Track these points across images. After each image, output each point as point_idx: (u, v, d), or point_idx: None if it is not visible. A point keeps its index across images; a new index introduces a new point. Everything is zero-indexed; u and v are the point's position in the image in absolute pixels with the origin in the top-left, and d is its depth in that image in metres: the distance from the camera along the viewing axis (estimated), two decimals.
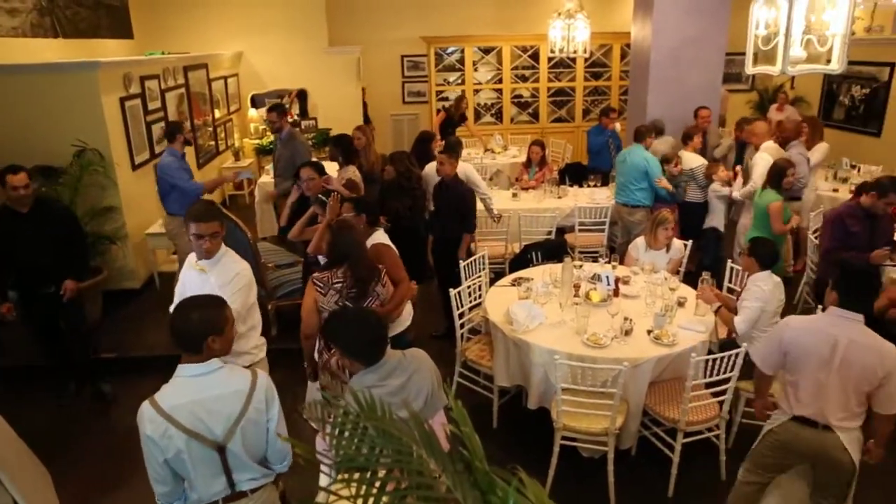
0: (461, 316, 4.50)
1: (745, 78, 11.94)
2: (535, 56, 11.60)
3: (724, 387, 3.70)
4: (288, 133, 6.56)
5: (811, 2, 3.14)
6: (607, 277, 4.51)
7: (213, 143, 9.63)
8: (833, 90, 10.91)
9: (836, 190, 7.32)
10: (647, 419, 3.98)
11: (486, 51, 11.62)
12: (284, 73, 10.76)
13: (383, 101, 11.87)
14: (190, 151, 8.34)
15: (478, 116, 11.95)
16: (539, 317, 4.09)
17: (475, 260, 5.08)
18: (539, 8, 11.52)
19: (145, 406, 2.26)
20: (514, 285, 4.68)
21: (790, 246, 6.74)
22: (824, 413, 2.94)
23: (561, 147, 10.35)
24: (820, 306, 4.25)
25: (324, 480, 2.55)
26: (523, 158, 8.33)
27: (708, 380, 3.69)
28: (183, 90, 8.35)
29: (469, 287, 4.70)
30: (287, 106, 9.43)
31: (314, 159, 5.97)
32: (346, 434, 1.45)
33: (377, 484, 1.36)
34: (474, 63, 11.63)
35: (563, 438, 3.72)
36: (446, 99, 11.89)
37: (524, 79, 11.85)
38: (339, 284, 3.38)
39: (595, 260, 5.41)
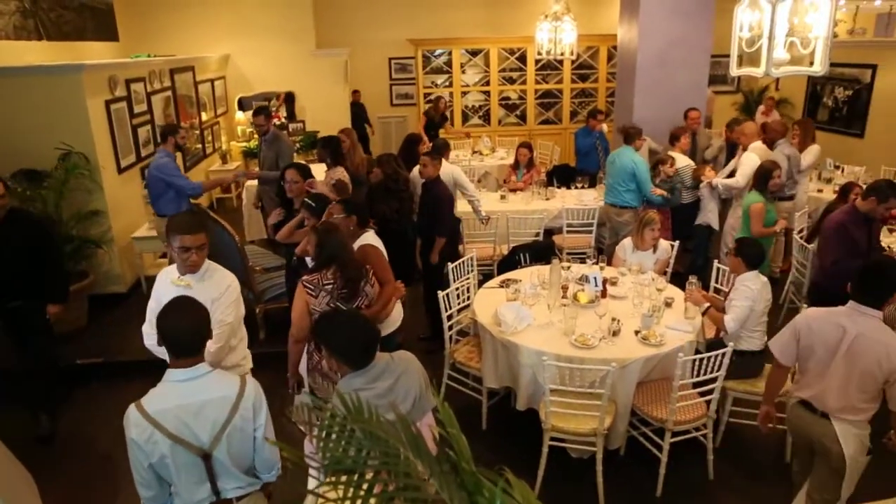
0: (450, 318, 4.51)
1: (731, 80, 12.05)
2: (522, 58, 11.64)
3: (711, 386, 3.73)
4: (272, 134, 6.56)
5: (794, 4, 3.18)
6: (595, 278, 4.53)
7: (199, 146, 9.58)
8: (817, 92, 11.02)
9: (820, 190, 7.40)
10: (635, 419, 3.99)
11: (474, 53, 11.65)
12: (272, 76, 10.73)
13: (371, 104, 11.87)
14: (178, 154, 8.32)
15: (465, 118, 11.97)
16: (527, 318, 4.10)
17: (463, 262, 5.08)
18: (526, 10, 11.57)
19: (131, 410, 2.24)
20: (502, 287, 4.69)
21: (781, 247, 6.81)
22: (823, 399, 3.02)
23: (548, 149, 10.39)
24: (805, 305, 4.29)
25: (312, 484, 2.54)
26: (511, 160, 8.36)
27: (695, 379, 3.71)
28: (169, 93, 8.31)
29: (457, 289, 4.71)
30: (274, 109, 9.42)
31: (301, 161, 5.96)
32: (334, 437, 1.45)
33: (364, 486, 1.36)
34: (462, 65, 11.65)
35: (552, 439, 3.73)
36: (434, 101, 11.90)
37: (512, 81, 11.88)
38: (330, 286, 3.38)
39: (583, 261, 5.43)
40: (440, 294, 4.42)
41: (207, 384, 2.31)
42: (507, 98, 12.02)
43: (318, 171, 6.18)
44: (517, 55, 11.66)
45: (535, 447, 3.79)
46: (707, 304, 4.18)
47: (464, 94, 11.83)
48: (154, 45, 9.72)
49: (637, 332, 3.96)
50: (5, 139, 5.76)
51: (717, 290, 4.98)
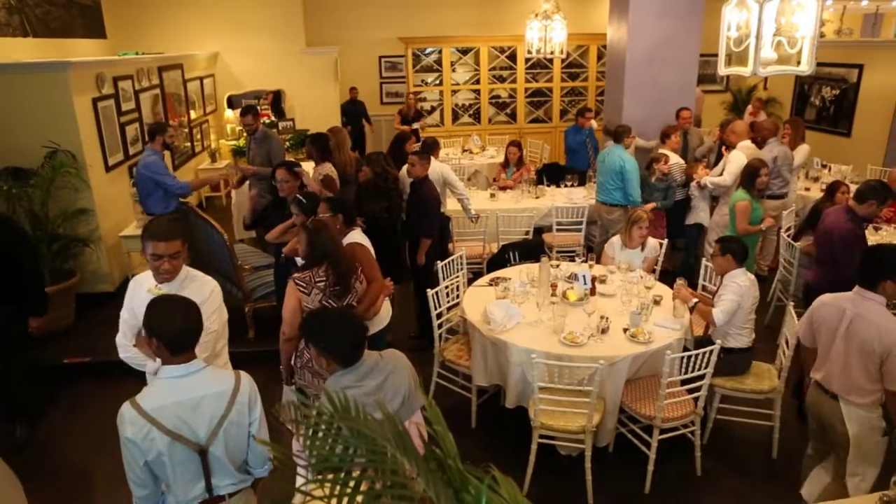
0: (439, 316, 4.51)
1: (720, 79, 12.12)
2: (512, 57, 11.66)
3: (699, 384, 3.75)
4: (262, 132, 6.54)
5: (781, 4, 3.20)
6: (584, 277, 4.54)
7: (188, 144, 9.53)
8: (805, 91, 11.10)
9: (807, 189, 7.46)
10: (623, 416, 4.01)
11: (464, 51, 11.65)
12: (261, 74, 10.69)
13: None
14: (165, 153, 8.27)
15: (456, 117, 11.97)
16: (516, 316, 4.11)
17: (453, 260, 5.09)
18: (516, 9, 11.58)
19: (126, 408, 2.23)
20: (491, 285, 4.69)
21: (772, 246, 6.85)
22: (829, 380, 3.19)
23: (538, 147, 10.41)
24: (791, 303, 4.33)
25: (300, 482, 2.54)
26: (501, 159, 8.36)
27: (683, 377, 3.73)
28: (158, 91, 8.26)
29: (447, 287, 4.71)
30: (262, 107, 9.39)
31: (290, 159, 5.95)
32: (320, 435, 1.45)
33: (351, 484, 1.36)
34: (452, 64, 11.65)
35: (541, 437, 3.74)
36: (424, 99, 11.91)
37: (502, 79, 11.89)
38: (322, 283, 3.38)
39: (572, 259, 5.45)
40: (429, 292, 4.43)
41: (203, 380, 2.32)
42: (498, 96, 12.03)
43: (309, 168, 6.17)
44: (507, 54, 11.67)
45: (524, 445, 3.80)
46: (695, 300, 4.21)
47: (454, 92, 11.83)
48: (142, 43, 9.65)
49: (626, 330, 3.98)
50: None
51: (704, 289, 5.01)
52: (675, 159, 6.58)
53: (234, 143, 10.11)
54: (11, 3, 6.91)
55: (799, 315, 4.14)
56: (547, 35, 8.41)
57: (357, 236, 3.97)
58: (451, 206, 6.40)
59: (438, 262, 4.98)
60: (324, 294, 3.36)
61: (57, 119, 5.87)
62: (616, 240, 5.21)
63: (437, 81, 11.76)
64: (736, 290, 4.02)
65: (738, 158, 6.05)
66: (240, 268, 5.38)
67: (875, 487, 3.07)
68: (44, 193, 5.67)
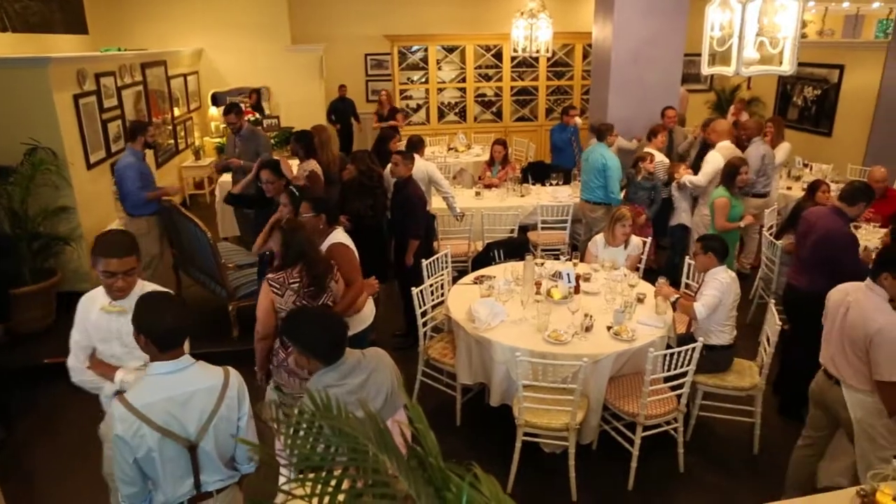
0: (424, 314, 4.50)
1: (704, 78, 12.21)
2: (498, 55, 11.67)
3: (681, 381, 3.78)
4: (248, 129, 6.51)
5: (763, 5, 3.23)
6: (568, 275, 4.56)
7: (172, 141, 9.45)
8: (787, 91, 11.22)
9: (789, 188, 7.54)
10: (607, 414, 4.03)
11: (450, 50, 11.64)
12: (246, 71, 10.62)
13: None
14: (149, 150, 8.19)
15: (441, 115, 11.97)
16: (501, 314, 4.12)
17: (438, 258, 5.08)
18: (502, 7, 11.59)
19: (115, 406, 2.22)
20: (476, 283, 4.70)
21: (754, 245, 6.92)
22: (834, 365, 3.29)
23: (524, 146, 10.43)
24: (772, 301, 4.38)
25: (282, 481, 2.53)
26: (486, 157, 8.37)
27: (666, 374, 3.76)
28: (141, 87, 8.18)
29: (431, 285, 4.71)
30: (245, 106, 9.33)
31: (276, 158, 5.92)
32: (301, 433, 1.45)
33: (333, 483, 1.36)
34: (438, 62, 11.64)
35: (525, 434, 3.75)
36: (410, 98, 11.89)
37: (488, 78, 11.90)
38: (296, 284, 3.34)
39: (557, 257, 5.47)
40: (414, 290, 4.42)
41: (193, 375, 2.33)
42: (483, 95, 12.04)
43: (294, 166, 6.16)
44: (493, 52, 11.68)
45: (508, 442, 3.81)
46: (676, 295, 4.25)
47: (440, 90, 11.82)
48: (125, 39, 9.54)
49: (609, 328, 4.00)
50: None
51: (687, 286, 5.05)
52: (661, 158, 6.62)
53: (218, 140, 10.05)
54: None
55: (780, 312, 4.19)
56: (532, 34, 8.42)
57: (340, 236, 3.93)
58: (436, 204, 6.39)
59: (423, 260, 4.97)
60: (298, 295, 3.33)
61: (37, 116, 5.79)
62: (599, 238, 5.23)
63: (423, 79, 11.75)
64: (717, 286, 4.06)
65: (714, 159, 6.11)
66: (224, 266, 5.34)
67: None
68: (23, 191, 5.59)
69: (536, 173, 8.31)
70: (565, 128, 8.50)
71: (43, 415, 4.70)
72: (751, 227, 6.21)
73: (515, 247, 6.04)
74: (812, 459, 3.58)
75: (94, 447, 2.42)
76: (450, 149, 9.83)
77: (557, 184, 7.68)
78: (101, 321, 2.76)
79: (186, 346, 2.49)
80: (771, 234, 5.88)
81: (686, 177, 6.30)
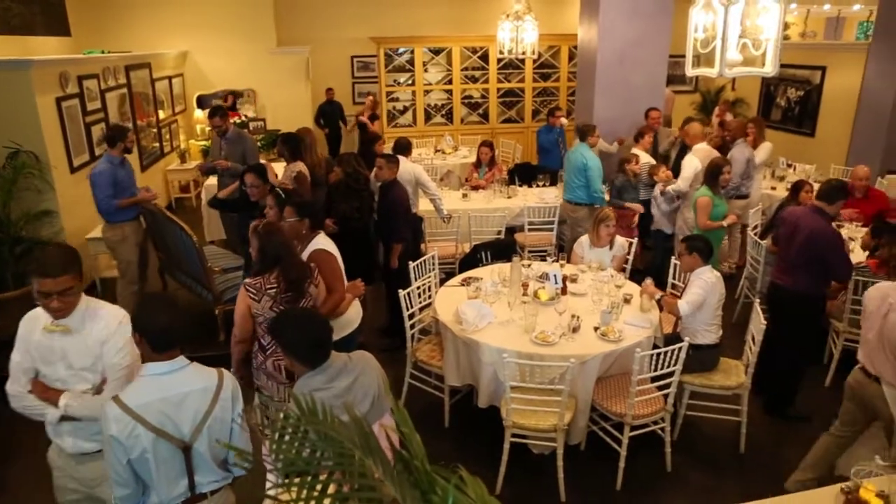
0: (411, 316, 4.50)
1: (689, 80, 12.29)
2: (484, 57, 11.69)
3: (668, 380, 3.80)
4: (234, 132, 6.47)
5: (746, 7, 3.26)
6: (555, 276, 4.57)
7: (157, 144, 9.39)
8: (771, 92, 11.32)
9: (773, 188, 7.61)
10: (595, 414, 4.04)
11: (436, 51, 11.65)
12: (232, 74, 10.58)
13: None
14: (133, 154, 8.12)
15: (428, 117, 11.97)
16: (488, 316, 4.12)
17: (425, 260, 5.08)
18: (488, 9, 11.62)
19: (109, 406, 2.22)
20: (463, 285, 4.70)
21: (737, 244, 6.97)
22: (871, 363, 3.35)
23: (510, 147, 10.46)
24: (757, 300, 4.41)
25: (269, 486, 2.52)
26: (473, 159, 8.39)
27: (653, 374, 3.77)
28: (125, 90, 8.12)
29: (419, 287, 4.70)
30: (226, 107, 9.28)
31: (261, 162, 5.89)
32: (287, 438, 1.44)
33: (318, 487, 1.35)
34: (424, 64, 11.64)
35: (514, 436, 3.76)
36: (397, 100, 11.89)
37: (474, 79, 11.92)
38: (273, 290, 3.32)
39: (543, 259, 5.48)
40: (401, 293, 4.41)
41: (187, 376, 2.34)
42: (470, 97, 12.06)
43: (280, 169, 6.13)
44: (479, 54, 11.70)
45: (497, 444, 3.81)
46: (661, 294, 4.28)
47: (426, 92, 11.83)
48: (108, 41, 9.47)
49: (596, 329, 4.02)
50: None
51: (673, 287, 5.08)
52: (647, 159, 6.66)
53: (204, 143, 9.98)
54: None
55: (764, 312, 4.23)
56: (518, 35, 8.43)
57: (322, 242, 3.88)
58: (423, 206, 6.39)
59: (410, 262, 4.97)
60: (274, 301, 3.31)
61: (19, 119, 5.74)
62: (585, 239, 5.25)
63: (410, 81, 11.74)
64: (702, 285, 4.09)
65: (690, 163, 6.16)
66: (210, 270, 5.31)
67: None
68: (5, 195, 5.54)
69: (523, 175, 8.33)
70: (552, 129, 8.54)
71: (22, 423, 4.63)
72: (732, 227, 6.26)
73: (502, 248, 6.05)
74: (839, 451, 3.65)
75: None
76: (437, 151, 9.84)
77: (544, 185, 7.70)
78: (44, 341, 2.58)
79: None
80: (756, 234, 5.93)
81: (670, 187, 6.33)
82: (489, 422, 4.07)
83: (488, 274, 4.88)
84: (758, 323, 4.07)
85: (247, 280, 3.38)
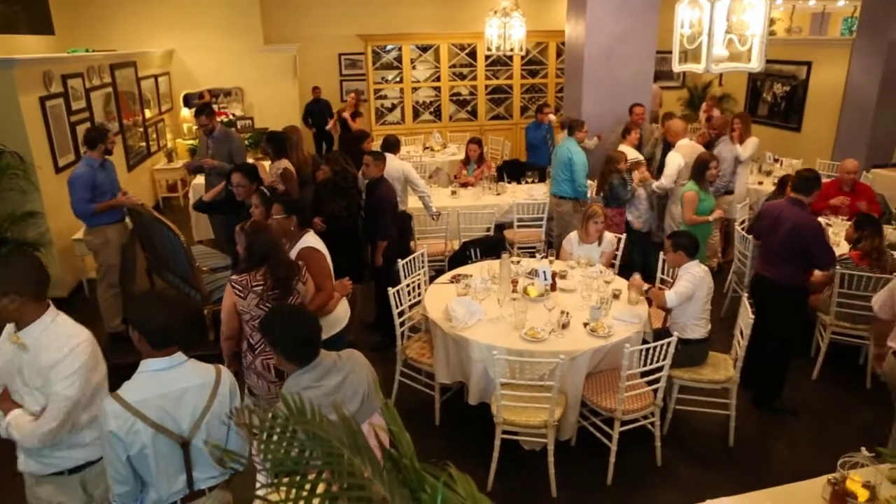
0: (401, 314, 4.49)
1: (677, 75, 12.34)
2: (472, 54, 11.68)
3: (657, 375, 3.81)
4: (222, 131, 6.42)
5: (732, 3, 3.27)
6: (544, 272, 4.58)
7: (143, 144, 9.31)
8: (757, 88, 11.39)
9: (760, 183, 7.65)
10: (585, 410, 4.05)
11: (424, 49, 11.63)
12: (218, 72, 10.51)
13: None
14: (119, 153, 8.07)
15: (416, 114, 11.96)
16: (478, 313, 4.12)
17: (414, 258, 5.07)
18: (475, 6, 11.61)
19: (108, 402, 2.23)
20: (453, 282, 4.70)
21: (717, 243, 7.00)
22: None
23: (499, 144, 10.46)
24: (745, 294, 4.44)
25: (259, 486, 2.51)
26: (462, 156, 8.38)
27: (643, 369, 3.79)
28: (110, 89, 8.05)
29: (409, 285, 4.70)
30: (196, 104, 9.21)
31: (248, 161, 5.87)
32: (275, 438, 1.44)
33: (307, 487, 1.34)
34: (412, 61, 11.62)
35: (504, 432, 3.76)
36: (385, 97, 11.86)
37: (462, 76, 11.91)
38: (260, 287, 3.31)
39: (533, 255, 5.49)
40: (391, 291, 4.41)
41: (186, 372, 2.37)
42: (458, 94, 12.05)
43: (266, 167, 6.10)
44: (467, 51, 11.69)
45: (488, 441, 3.81)
46: (647, 286, 4.32)
47: (414, 89, 11.81)
48: (93, 40, 9.36)
49: (586, 325, 4.03)
50: None
51: (662, 282, 5.10)
52: (634, 154, 6.68)
53: (191, 142, 9.92)
54: None
55: (751, 304, 4.26)
56: (506, 32, 8.44)
57: (311, 240, 3.87)
58: (412, 203, 6.38)
59: (400, 260, 4.96)
60: (261, 299, 3.30)
61: (2, 119, 5.68)
62: (573, 235, 5.26)
63: (398, 79, 11.72)
64: (690, 278, 4.13)
65: (674, 160, 6.18)
66: (198, 269, 5.27)
67: None
68: None
69: (512, 171, 8.33)
70: (540, 126, 8.55)
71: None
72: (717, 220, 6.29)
73: (492, 245, 6.06)
74: None
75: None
76: (425, 148, 9.83)
77: (533, 182, 7.71)
78: (9, 351, 2.51)
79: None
80: (743, 229, 5.96)
81: (653, 183, 6.36)
82: (480, 419, 4.08)
83: (478, 271, 4.88)
84: (746, 317, 4.10)
85: (233, 277, 3.37)
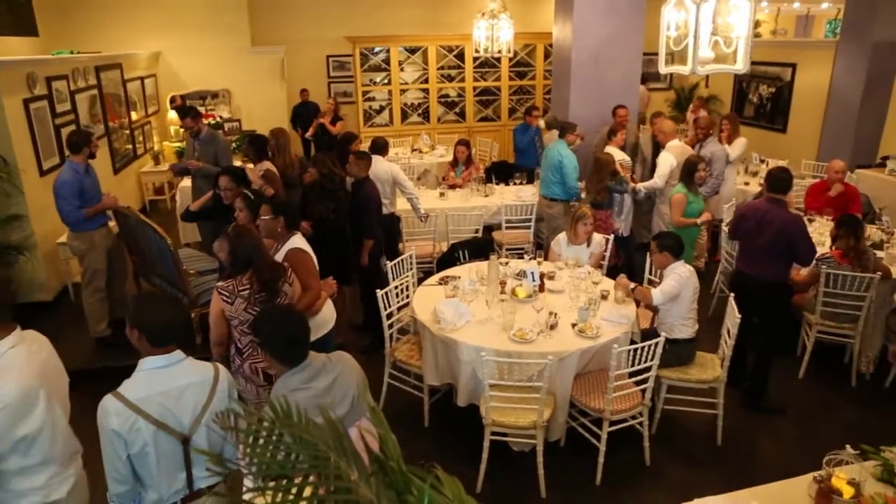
0: (389, 316, 4.48)
1: (664, 77, 12.42)
2: (460, 56, 11.70)
3: (645, 375, 3.83)
4: (208, 133, 6.40)
5: (717, 5, 3.29)
6: (532, 273, 4.58)
7: (129, 146, 9.24)
8: (743, 89, 11.48)
9: (747, 183, 7.71)
10: (573, 410, 4.06)
11: (412, 51, 11.63)
12: (206, 74, 10.46)
13: None
14: (105, 156, 8.00)
15: (405, 116, 11.95)
16: (466, 314, 4.12)
17: (403, 260, 5.07)
18: (463, 8, 11.62)
19: (109, 400, 2.24)
20: (441, 284, 4.70)
21: (709, 238, 7.04)
22: None
23: (487, 146, 10.47)
24: (732, 294, 4.47)
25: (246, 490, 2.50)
26: (450, 158, 8.39)
27: (631, 369, 3.80)
28: (95, 91, 7.98)
29: (397, 287, 4.69)
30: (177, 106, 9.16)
31: (235, 164, 5.85)
32: (261, 441, 1.43)
33: (294, 490, 1.34)
34: (400, 63, 11.62)
35: (493, 434, 3.76)
36: (373, 99, 11.84)
37: (450, 78, 11.92)
38: (247, 291, 3.29)
39: (521, 256, 5.50)
40: (379, 293, 4.40)
41: (185, 369, 2.39)
42: (446, 95, 12.05)
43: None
44: (455, 53, 11.70)
45: (477, 442, 3.81)
46: (633, 285, 4.34)
47: (403, 91, 11.80)
48: (77, 42, 9.29)
49: (574, 325, 4.04)
50: None
51: (650, 282, 5.13)
52: (621, 156, 6.70)
53: (178, 144, 9.86)
54: None
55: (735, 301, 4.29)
56: (494, 34, 8.45)
57: (298, 242, 3.86)
58: (400, 205, 6.37)
59: (388, 261, 4.95)
60: (248, 302, 3.29)
61: None
62: (562, 236, 5.27)
63: (386, 81, 11.71)
64: (677, 278, 4.17)
65: (666, 160, 6.21)
66: (185, 273, 5.23)
67: None
68: None
69: (500, 173, 8.35)
70: (528, 128, 8.57)
71: None
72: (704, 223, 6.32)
73: (480, 247, 6.06)
74: None
75: None
76: (413, 150, 9.83)
77: (521, 183, 7.72)
78: None
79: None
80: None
81: (641, 183, 6.39)
82: (469, 420, 4.07)
83: (466, 272, 4.89)
84: (733, 317, 4.13)
85: (219, 283, 3.34)
